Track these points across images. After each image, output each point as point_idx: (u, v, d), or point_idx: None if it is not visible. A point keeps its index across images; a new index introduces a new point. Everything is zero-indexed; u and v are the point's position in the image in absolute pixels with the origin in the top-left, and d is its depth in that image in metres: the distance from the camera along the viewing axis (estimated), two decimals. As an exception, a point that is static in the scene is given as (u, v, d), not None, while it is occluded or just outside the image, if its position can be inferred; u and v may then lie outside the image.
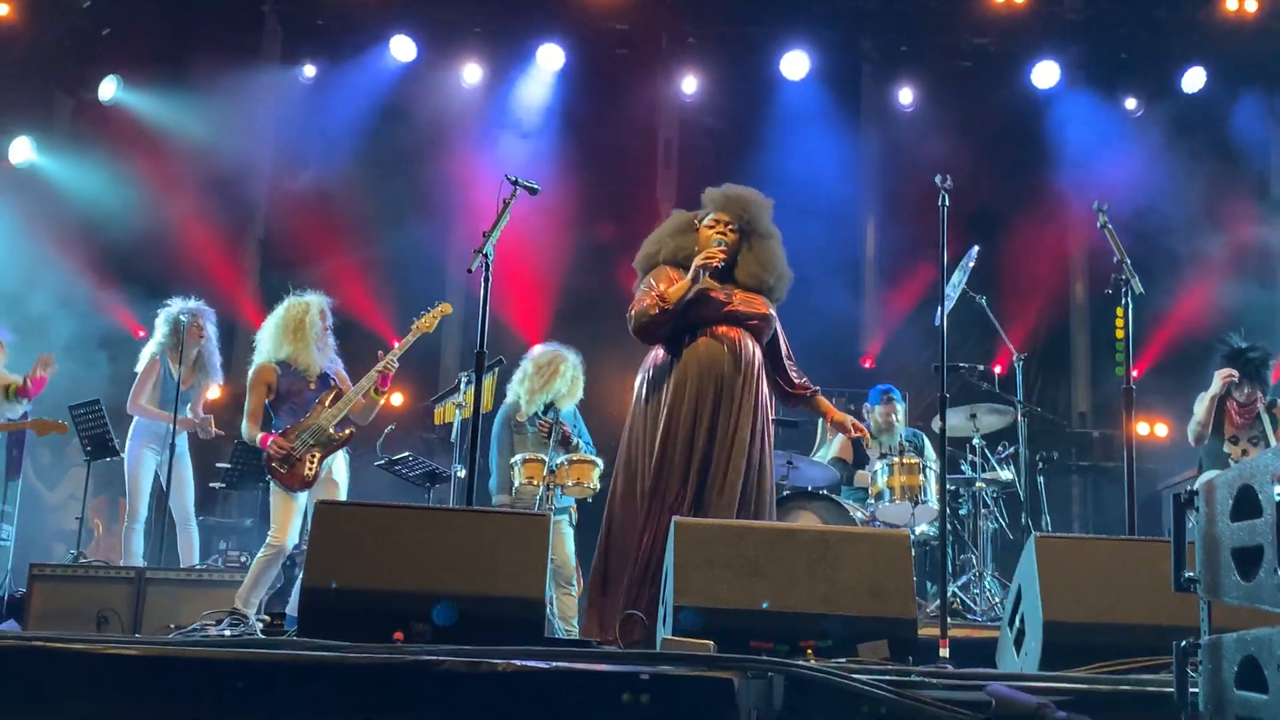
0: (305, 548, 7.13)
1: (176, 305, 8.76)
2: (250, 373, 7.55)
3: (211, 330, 8.82)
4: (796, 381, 6.45)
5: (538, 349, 8.64)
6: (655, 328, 6.14)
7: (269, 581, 7.23)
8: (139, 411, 8.57)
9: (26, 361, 8.30)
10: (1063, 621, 4.53)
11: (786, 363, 6.43)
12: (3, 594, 8.57)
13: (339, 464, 7.53)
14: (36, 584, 7.57)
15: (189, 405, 8.65)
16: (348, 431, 7.41)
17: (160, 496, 8.54)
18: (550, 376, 8.39)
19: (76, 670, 3.53)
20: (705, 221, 6.29)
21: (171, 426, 8.35)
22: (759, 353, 6.18)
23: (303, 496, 7.31)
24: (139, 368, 8.69)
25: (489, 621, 4.47)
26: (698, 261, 6.05)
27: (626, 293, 12.25)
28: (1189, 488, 3.39)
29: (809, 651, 4.46)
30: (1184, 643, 3.29)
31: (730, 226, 6.25)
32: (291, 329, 7.49)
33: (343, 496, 7.46)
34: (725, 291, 6.15)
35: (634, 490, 6.01)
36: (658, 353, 6.24)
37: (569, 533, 8.28)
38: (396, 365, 7.48)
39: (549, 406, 8.38)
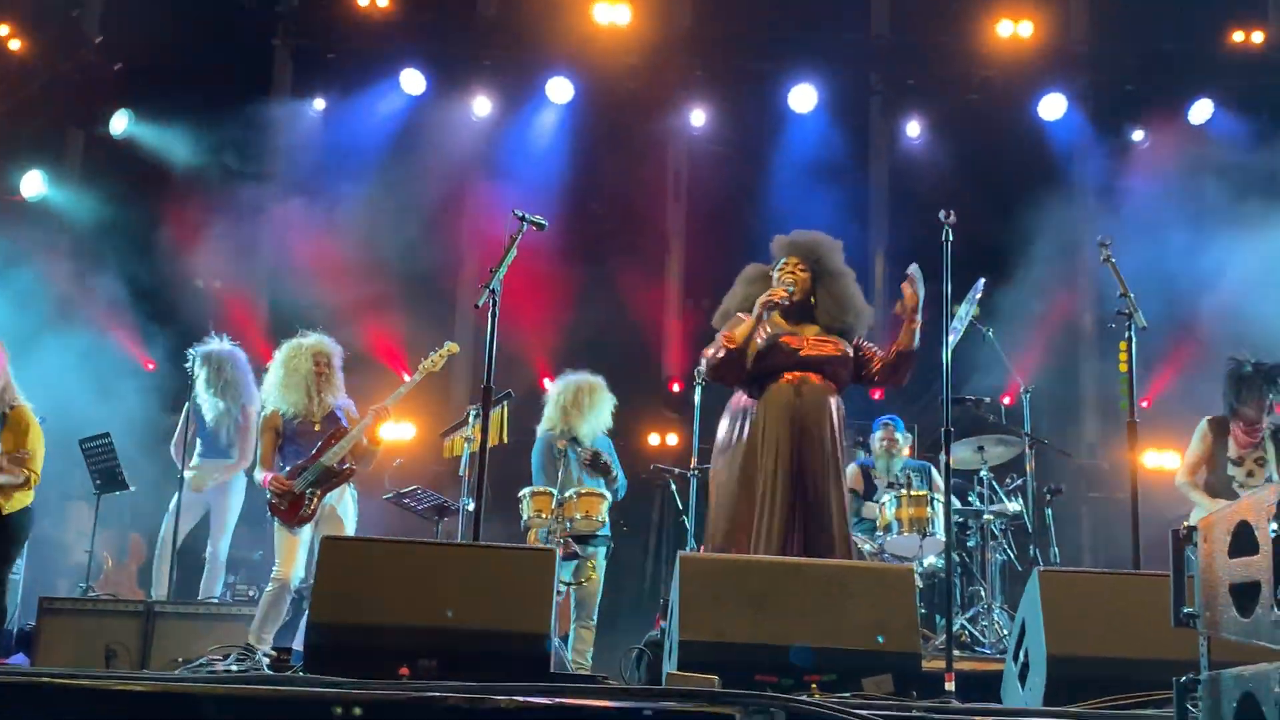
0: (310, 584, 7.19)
1: (207, 348, 8.68)
2: (260, 418, 7.69)
3: (230, 373, 8.69)
4: (879, 364, 6.47)
5: (576, 376, 8.58)
6: (724, 367, 6.27)
7: (278, 616, 7.26)
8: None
9: (30, 384, 8.23)
10: (1066, 656, 4.52)
11: (871, 362, 6.49)
12: (13, 627, 8.58)
13: (345, 500, 7.58)
14: (46, 617, 7.58)
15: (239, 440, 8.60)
16: (347, 468, 7.47)
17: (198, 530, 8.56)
18: (596, 403, 8.41)
19: (84, 706, 3.55)
20: (777, 267, 6.43)
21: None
22: (833, 397, 6.28)
23: (305, 531, 7.36)
24: None
25: (495, 657, 4.48)
26: (761, 300, 6.20)
27: (637, 326, 12.32)
28: (1186, 524, 3.41)
29: (813, 686, 4.46)
30: (1184, 678, 3.30)
31: (800, 267, 6.39)
32: (286, 376, 7.61)
33: (349, 531, 7.50)
34: (800, 337, 6.27)
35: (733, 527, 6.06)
36: (738, 398, 6.37)
37: (602, 565, 8.18)
38: (391, 411, 7.58)
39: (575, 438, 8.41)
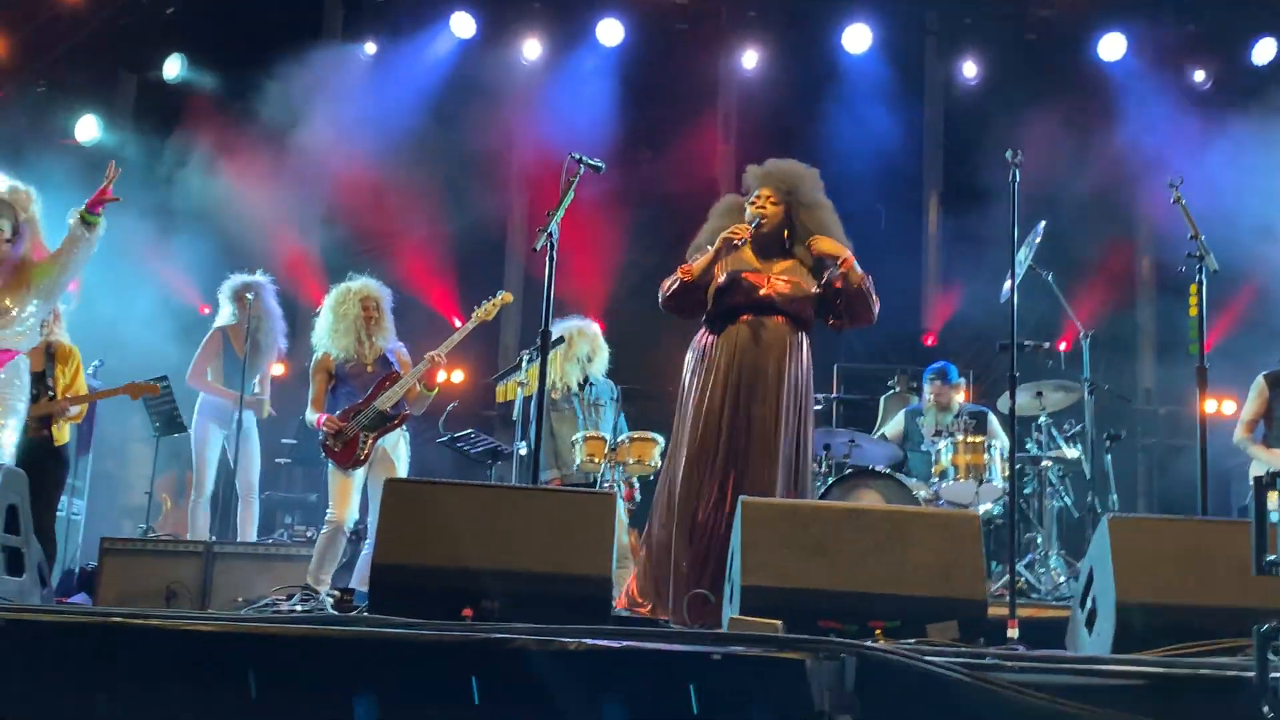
0: (367, 524, 7.22)
1: (237, 279, 8.84)
2: (312, 359, 7.70)
3: (272, 303, 8.87)
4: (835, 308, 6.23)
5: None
6: (677, 300, 6.18)
7: (335, 556, 7.30)
8: (199, 386, 8.66)
9: (82, 339, 8.30)
10: (1136, 603, 4.47)
11: (832, 304, 6.24)
12: (75, 567, 8.71)
13: (399, 443, 7.60)
14: (107, 558, 7.68)
15: (256, 379, 8.72)
16: (402, 413, 7.48)
17: (227, 471, 8.64)
18: (566, 351, 8.44)
19: (148, 645, 3.57)
20: (749, 199, 6.25)
21: (239, 402, 8.42)
22: (798, 335, 6.12)
23: (359, 474, 7.38)
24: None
25: (557, 600, 4.48)
26: (722, 235, 6.04)
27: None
28: (1271, 469, 3.34)
29: (878, 632, 4.44)
30: (1265, 627, 3.24)
31: (772, 199, 6.20)
32: (335, 321, 7.60)
33: (401, 474, 7.51)
34: (763, 274, 6.11)
35: (683, 468, 6.02)
36: (700, 336, 6.26)
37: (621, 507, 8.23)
38: (444, 359, 7.53)
39: (585, 382, 8.44)
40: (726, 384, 5.99)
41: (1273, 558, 3.27)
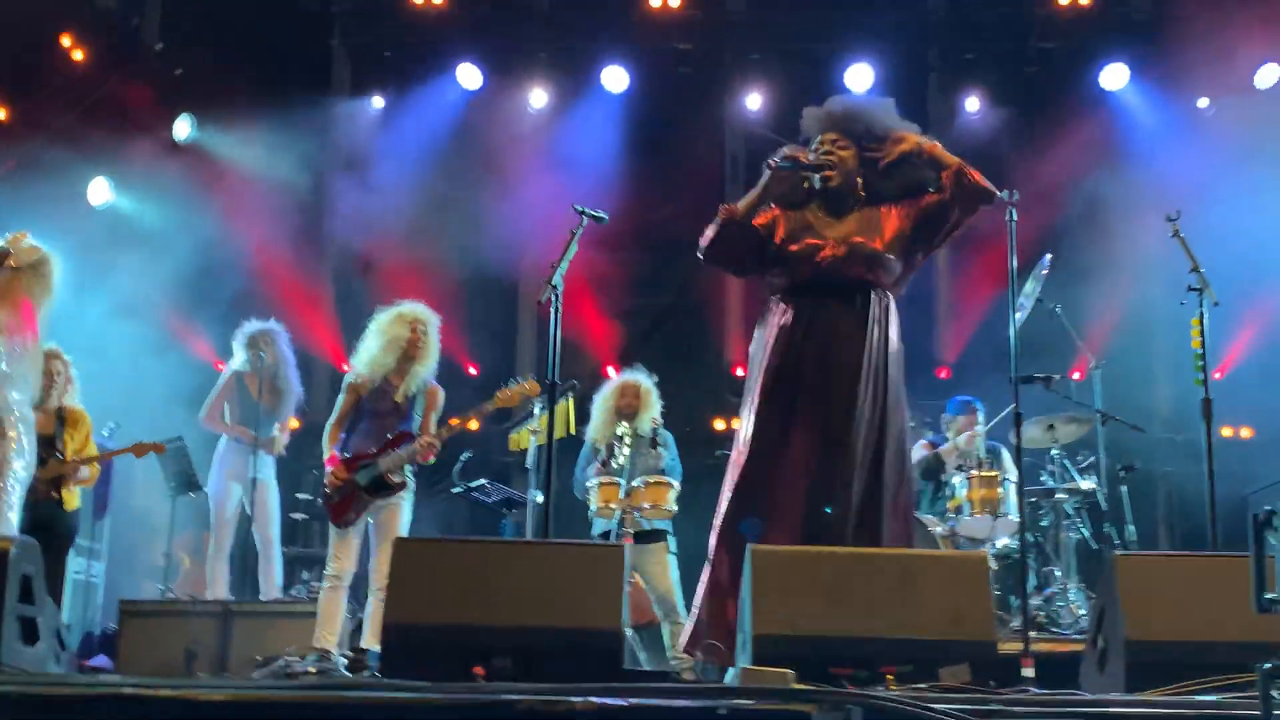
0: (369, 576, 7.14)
1: (251, 326, 8.93)
2: (345, 380, 7.55)
3: (286, 349, 8.95)
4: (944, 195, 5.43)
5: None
6: (720, 245, 5.49)
7: (338, 613, 7.16)
8: (214, 426, 8.73)
9: (98, 401, 8.38)
10: (1146, 640, 4.46)
11: (937, 200, 5.46)
12: (95, 630, 8.76)
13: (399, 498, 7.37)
14: (127, 620, 7.73)
15: (276, 425, 8.77)
16: (399, 482, 7.30)
17: (246, 526, 8.68)
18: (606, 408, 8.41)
19: (160, 715, 3.59)
20: (811, 149, 5.58)
21: (252, 454, 8.46)
22: (876, 306, 5.38)
23: (354, 527, 7.25)
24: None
25: (568, 654, 4.50)
26: (766, 164, 5.41)
27: (696, 310, 12.27)
28: (1266, 507, 3.35)
29: (889, 677, 4.43)
30: (1268, 665, 3.24)
31: (840, 144, 5.52)
32: (382, 339, 7.43)
33: (403, 523, 7.32)
34: (832, 235, 5.38)
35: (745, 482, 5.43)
36: (764, 314, 5.61)
37: (672, 561, 8.03)
38: (439, 446, 7.32)
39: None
40: (785, 377, 5.35)
41: (1272, 595, 3.27)
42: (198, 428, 9.06)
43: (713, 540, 5.61)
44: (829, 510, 5.21)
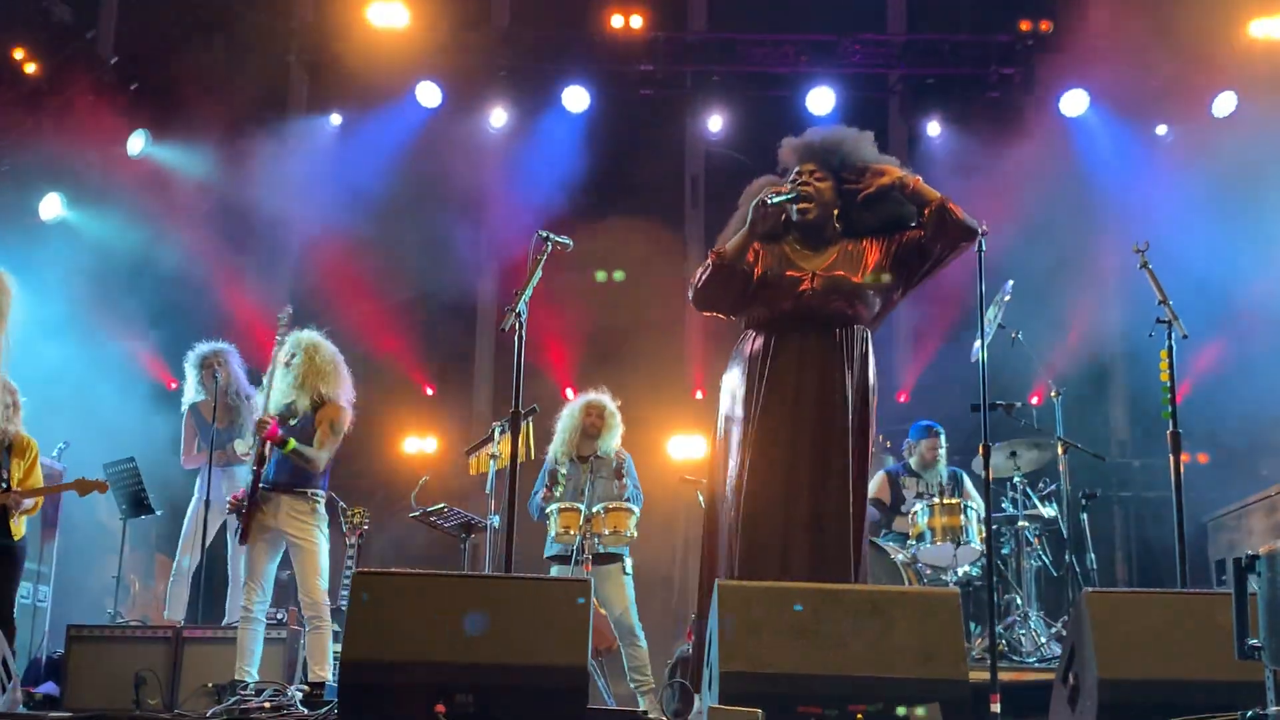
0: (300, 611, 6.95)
1: (201, 348, 8.82)
2: (338, 416, 7.22)
3: (238, 369, 8.85)
4: (923, 232, 5.38)
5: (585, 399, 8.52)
6: (712, 288, 5.41)
7: (253, 647, 6.85)
8: (196, 464, 8.64)
9: (49, 420, 8.20)
10: (1117, 679, 4.42)
11: (916, 238, 5.42)
12: (42, 655, 8.55)
13: (304, 521, 6.97)
14: (74, 645, 7.56)
15: (234, 442, 8.67)
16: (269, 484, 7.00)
17: (218, 550, 8.53)
18: (570, 426, 8.35)
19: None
20: (789, 180, 5.50)
21: (213, 479, 8.34)
22: (852, 341, 5.35)
23: (259, 550, 6.93)
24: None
25: (533, 692, 4.40)
26: (752, 204, 5.27)
27: (656, 332, 12.24)
28: (1248, 552, 3.31)
29: (859, 716, 4.37)
30: (1250, 713, 3.20)
31: (818, 175, 5.47)
32: (278, 367, 7.41)
33: (319, 551, 6.95)
34: (810, 269, 5.34)
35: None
36: (742, 342, 5.55)
37: (627, 581, 8.04)
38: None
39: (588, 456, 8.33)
40: (773, 412, 5.29)
41: (1255, 641, 3.23)
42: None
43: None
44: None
